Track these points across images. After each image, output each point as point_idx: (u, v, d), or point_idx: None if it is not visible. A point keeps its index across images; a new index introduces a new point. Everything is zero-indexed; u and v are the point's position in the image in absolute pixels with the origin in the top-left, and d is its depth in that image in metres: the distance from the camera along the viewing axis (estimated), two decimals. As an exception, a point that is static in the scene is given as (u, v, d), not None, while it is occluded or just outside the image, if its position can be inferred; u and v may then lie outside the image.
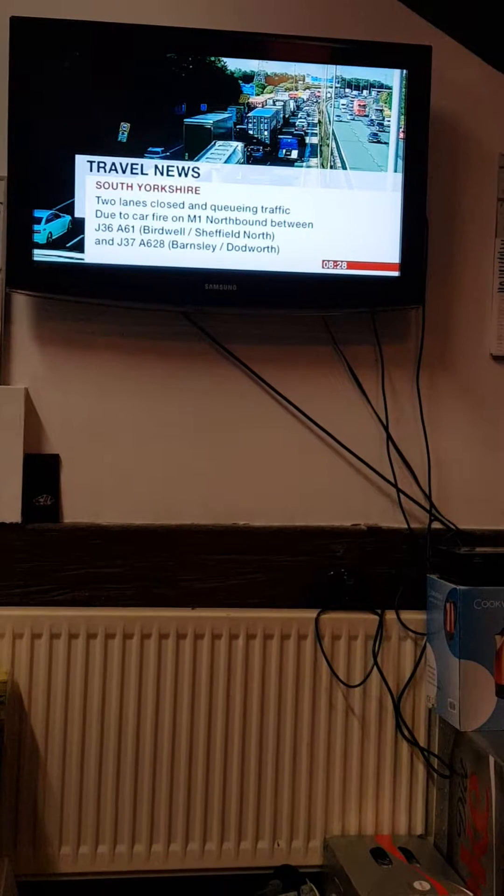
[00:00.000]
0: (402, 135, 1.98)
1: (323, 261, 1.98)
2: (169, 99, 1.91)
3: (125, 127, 1.91)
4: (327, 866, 1.96)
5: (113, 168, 1.91)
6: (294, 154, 1.96)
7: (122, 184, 1.92)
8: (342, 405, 2.10)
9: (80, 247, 1.91)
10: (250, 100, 1.94)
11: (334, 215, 1.98)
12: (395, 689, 2.02)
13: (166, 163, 1.92)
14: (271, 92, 1.95)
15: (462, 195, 2.13)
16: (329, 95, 1.96)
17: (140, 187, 1.92)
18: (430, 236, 2.07)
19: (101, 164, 1.91)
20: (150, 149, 1.92)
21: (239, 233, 1.95)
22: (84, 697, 1.94)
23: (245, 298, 1.96)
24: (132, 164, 1.92)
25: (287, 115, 1.95)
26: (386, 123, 1.97)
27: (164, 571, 2.02)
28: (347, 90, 1.96)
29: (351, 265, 1.99)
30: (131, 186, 1.92)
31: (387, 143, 1.98)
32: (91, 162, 1.90)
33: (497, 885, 1.71)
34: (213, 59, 1.92)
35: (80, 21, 1.91)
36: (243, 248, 1.96)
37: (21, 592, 1.98)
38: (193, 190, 1.94)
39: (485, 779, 1.76)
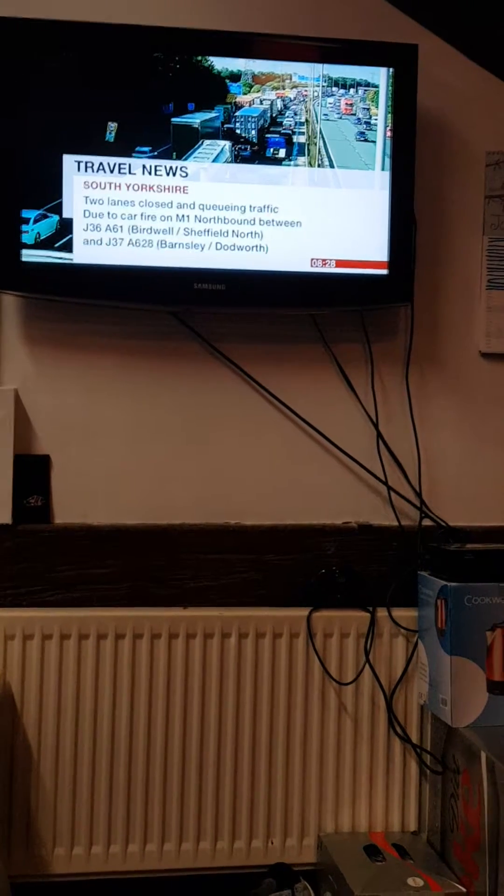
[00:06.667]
0: (389, 133, 1.98)
1: (311, 259, 1.98)
2: (156, 98, 1.91)
3: (112, 127, 1.91)
4: (321, 864, 1.97)
5: (101, 168, 1.91)
6: (282, 153, 1.96)
7: (110, 184, 1.92)
8: (332, 403, 2.10)
9: (68, 247, 1.91)
10: (237, 99, 1.94)
11: (322, 214, 1.98)
12: (387, 686, 2.03)
13: (154, 162, 1.92)
14: (258, 91, 1.95)
15: (449, 193, 2.14)
16: (316, 94, 1.96)
17: (128, 187, 1.92)
18: (418, 234, 2.08)
19: (89, 164, 1.91)
20: (137, 148, 1.92)
21: (227, 232, 1.95)
22: (76, 698, 1.94)
23: (234, 297, 1.96)
24: (120, 164, 1.92)
25: (274, 114, 1.95)
26: (373, 122, 1.98)
27: (156, 571, 2.02)
28: (334, 89, 1.97)
29: (339, 263, 1.99)
30: (119, 186, 1.92)
31: (374, 142, 1.98)
32: (79, 162, 1.90)
33: (490, 880, 1.71)
34: (199, 58, 1.92)
35: (67, 21, 1.90)
36: (232, 248, 1.96)
37: (12, 594, 1.98)
38: (181, 189, 1.94)
39: (476, 775, 1.77)
